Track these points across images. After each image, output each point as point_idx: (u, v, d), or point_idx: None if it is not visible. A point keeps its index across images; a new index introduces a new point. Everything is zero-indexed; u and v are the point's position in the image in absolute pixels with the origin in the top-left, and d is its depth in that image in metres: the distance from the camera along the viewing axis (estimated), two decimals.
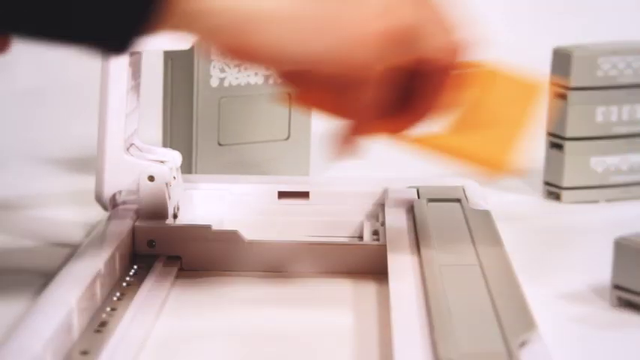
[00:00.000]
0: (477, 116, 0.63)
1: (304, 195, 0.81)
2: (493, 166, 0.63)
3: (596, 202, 0.91)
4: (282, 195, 0.81)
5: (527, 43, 1.29)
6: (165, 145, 0.91)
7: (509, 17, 1.33)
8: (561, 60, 0.90)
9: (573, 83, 0.89)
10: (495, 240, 0.71)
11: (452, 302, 0.60)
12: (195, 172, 0.89)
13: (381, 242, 0.74)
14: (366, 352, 0.62)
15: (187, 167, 0.88)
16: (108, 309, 0.64)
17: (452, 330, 0.57)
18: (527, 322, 0.57)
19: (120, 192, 0.77)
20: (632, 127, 0.90)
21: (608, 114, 0.90)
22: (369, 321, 0.66)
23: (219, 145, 0.89)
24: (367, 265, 0.72)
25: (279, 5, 0.55)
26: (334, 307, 0.68)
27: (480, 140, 0.63)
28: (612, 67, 0.89)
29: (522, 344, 0.56)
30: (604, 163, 0.90)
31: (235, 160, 0.90)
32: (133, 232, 0.73)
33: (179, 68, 0.88)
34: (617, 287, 0.68)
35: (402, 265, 0.67)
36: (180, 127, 0.89)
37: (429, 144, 0.62)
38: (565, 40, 0.94)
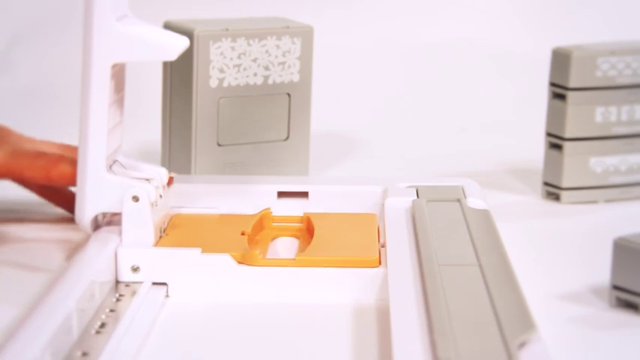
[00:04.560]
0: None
1: (304, 195, 0.81)
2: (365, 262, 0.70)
3: (595, 202, 0.91)
4: (282, 195, 0.81)
5: (527, 43, 1.30)
6: (164, 145, 0.90)
7: (510, 17, 1.33)
8: (560, 60, 0.90)
9: (572, 84, 0.89)
10: (495, 240, 0.70)
11: (451, 302, 0.60)
12: (195, 173, 0.88)
13: (380, 242, 0.74)
14: (365, 352, 0.62)
15: (186, 168, 0.88)
16: (107, 310, 0.64)
17: (451, 330, 0.56)
18: (526, 323, 0.57)
19: (103, 214, 0.73)
20: (632, 128, 0.91)
21: (608, 114, 0.90)
22: (367, 321, 0.66)
23: (219, 145, 0.89)
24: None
25: None
26: (333, 308, 0.68)
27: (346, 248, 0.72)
28: (611, 67, 0.89)
29: (521, 345, 0.56)
30: (603, 163, 0.90)
31: (235, 160, 0.90)
32: (116, 258, 0.69)
33: (178, 69, 0.88)
34: (616, 288, 0.68)
35: (401, 265, 0.67)
36: (180, 127, 0.89)
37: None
38: (564, 40, 0.94)
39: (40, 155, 0.79)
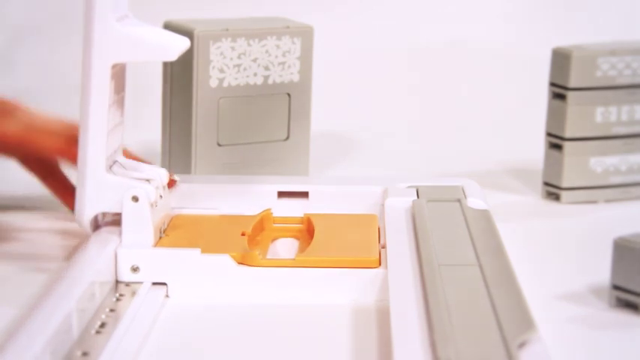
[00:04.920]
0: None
1: (304, 195, 0.81)
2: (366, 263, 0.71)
3: (595, 202, 0.91)
4: (282, 195, 0.81)
5: (527, 43, 1.30)
6: (164, 145, 0.91)
7: (509, 17, 1.33)
8: (560, 60, 0.90)
9: (572, 84, 0.89)
10: (495, 240, 0.71)
11: (451, 302, 0.60)
12: (195, 173, 0.89)
13: (380, 243, 0.74)
14: (366, 352, 0.62)
15: (186, 168, 0.89)
16: (107, 310, 0.65)
17: (451, 330, 0.57)
18: (526, 323, 0.58)
19: (102, 214, 0.73)
20: (631, 128, 0.91)
21: (607, 114, 0.90)
22: (367, 321, 0.66)
23: (219, 145, 0.89)
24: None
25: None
26: (333, 306, 0.68)
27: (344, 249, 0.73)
28: (611, 67, 0.90)
29: (521, 345, 0.56)
30: (603, 163, 0.90)
31: (235, 160, 0.90)
32: (116, 259, 0.70)
33: (178, 69, 0.88)
34: (616, 288, 0.69)
35: (401, 265, 0.67)
36: (180, 127, 0.89)
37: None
38: (564, 40, 0.94)
39: (58, 131, 0.80)
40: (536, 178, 0.95)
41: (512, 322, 0.58)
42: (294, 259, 0.71)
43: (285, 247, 0.76)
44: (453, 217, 0.75)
